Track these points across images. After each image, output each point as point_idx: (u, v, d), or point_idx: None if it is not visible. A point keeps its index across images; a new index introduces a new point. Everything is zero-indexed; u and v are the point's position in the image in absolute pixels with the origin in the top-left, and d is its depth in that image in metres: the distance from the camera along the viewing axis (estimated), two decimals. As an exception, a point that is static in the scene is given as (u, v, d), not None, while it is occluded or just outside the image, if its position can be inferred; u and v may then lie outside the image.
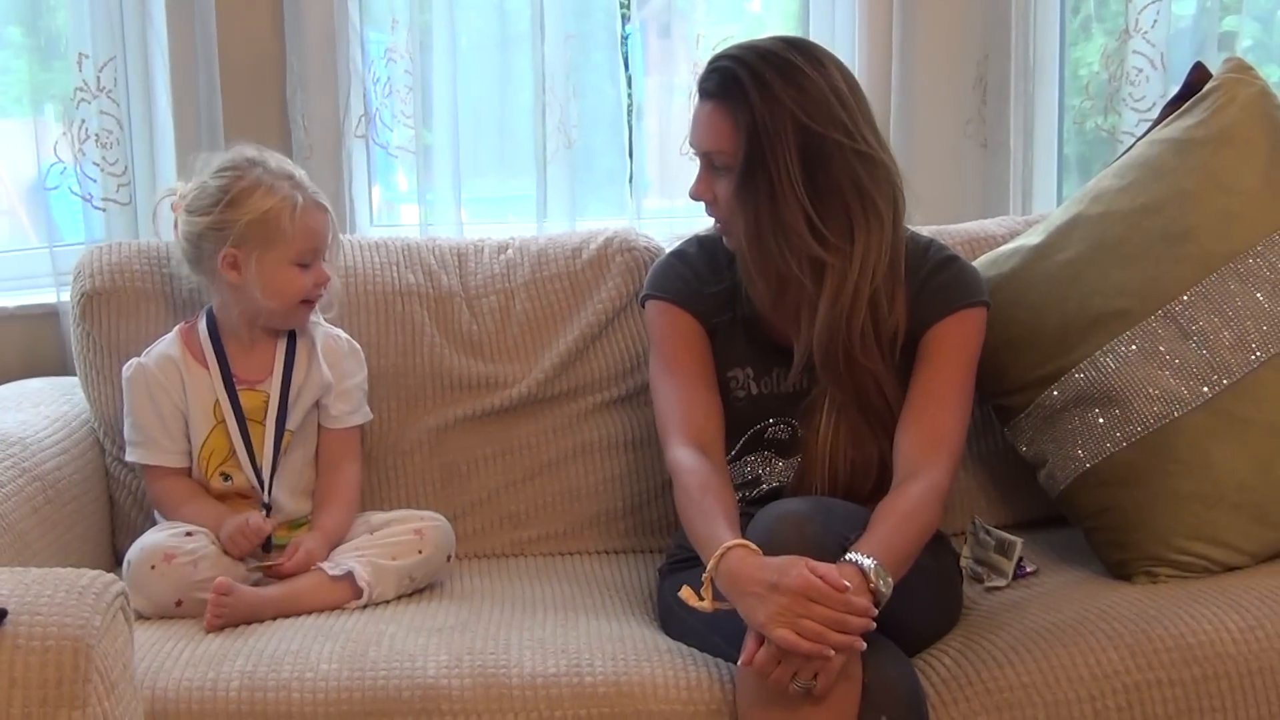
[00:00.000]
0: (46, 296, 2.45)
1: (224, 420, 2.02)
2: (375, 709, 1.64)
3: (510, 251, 2.34)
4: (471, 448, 2.22)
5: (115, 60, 2.47)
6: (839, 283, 1.84)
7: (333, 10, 2.57)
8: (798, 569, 1.57)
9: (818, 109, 1.81)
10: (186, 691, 1.64)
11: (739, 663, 1.62)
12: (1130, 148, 2.19)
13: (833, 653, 1.54)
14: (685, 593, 1.68)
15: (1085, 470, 2.01)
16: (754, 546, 1.64)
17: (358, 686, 1.66)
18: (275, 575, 1.93)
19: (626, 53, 2.70)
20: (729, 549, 1.64)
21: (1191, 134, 2.08)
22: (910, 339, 1.90)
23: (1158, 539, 1.95)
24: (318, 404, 2.07)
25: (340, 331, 2.14)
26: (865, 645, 1.57)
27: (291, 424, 2.04)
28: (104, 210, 2.50)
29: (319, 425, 2.08)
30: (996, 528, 2.08)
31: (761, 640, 1.58)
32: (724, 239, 1.95)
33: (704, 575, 1.65)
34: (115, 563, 2.10)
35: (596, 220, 2.62)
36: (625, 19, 2.71)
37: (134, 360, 2.06)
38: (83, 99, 2.45)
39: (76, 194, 2.48)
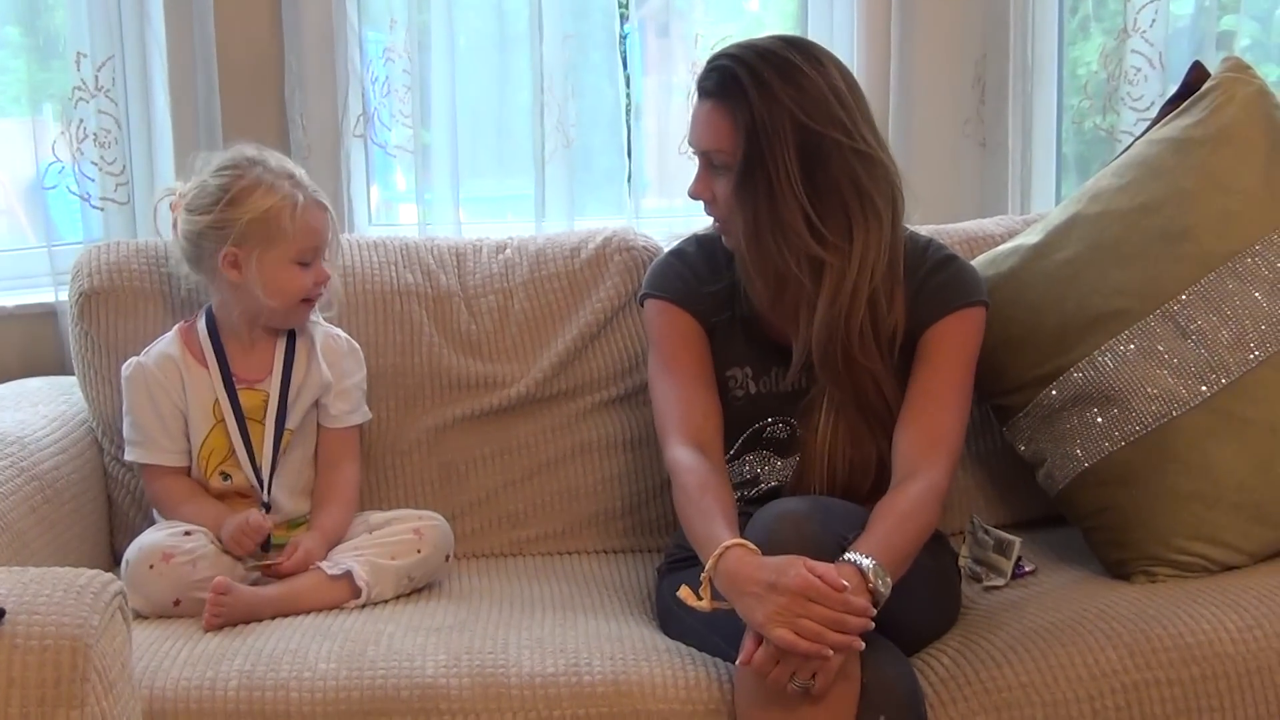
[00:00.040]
0: (45, 296, 2.45)
1: (223, 419, 2.02)
2: (373, 708, 1.64)
3: (509, 251, 2.34)
4: (470, 447, 2.22)
5: (113, 60, 2.47)
6: (838, 282, 1.84)
7: (331, 10, 2.57)
8: (796, 569, 1.57)
9: (817, 108, 1.81)
10: (185, 691, 1.64)
11: (737, 662, 1.62)
12: (1129, 147, 2.19)
13: (831, 652, 1.54)
14: (684, 592, 1.68)
15: (1084, 470, 2.01)
16: (752, 546, 1.64)
17: (356, 686, 1.66)
18: (274, 575, 1.93)
19: (625, 52, 2.71)
20: (727, 548, 1.64)
21: (1190, 133, 2.08)
22: (909, 338, 1.90)
23: (1156, 538, 1.95)
24: (317, 403, 2.07)
25: (339, 331, 2.14)
26: (864, 645, 1.57)
27: (291, 423, 2.04)
28: (102, 209, 2.50)
29: (318, 425, 2.08)
30: (995, 527, 2.08)
31: (760, 640, 1.58)
32: (723, 238, 1.95)
33: (702, 575, 1.65)
34: (113, 562, 2.10)
35: (595, 220, 2.62)
36: (623, 18, 2.71)
37: (133, 359, 2.06)
38: (81, 98, 2.45)
39: (75, 193, 2.48)
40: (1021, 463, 2.14)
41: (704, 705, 1.68)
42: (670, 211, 2.76)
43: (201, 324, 2.06)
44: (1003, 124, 2.72)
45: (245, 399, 2.03)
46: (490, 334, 2.27)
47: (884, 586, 1.61)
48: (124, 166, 2.50)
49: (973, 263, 2.05)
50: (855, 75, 1.91)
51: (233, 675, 1.66)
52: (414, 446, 2.21)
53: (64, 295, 2.28)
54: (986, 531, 2.07)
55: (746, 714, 1.64)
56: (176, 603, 1.86)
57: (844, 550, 1.64)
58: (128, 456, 2.06)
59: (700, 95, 1.88)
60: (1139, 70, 2.64)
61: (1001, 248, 2.20)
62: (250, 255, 1.97)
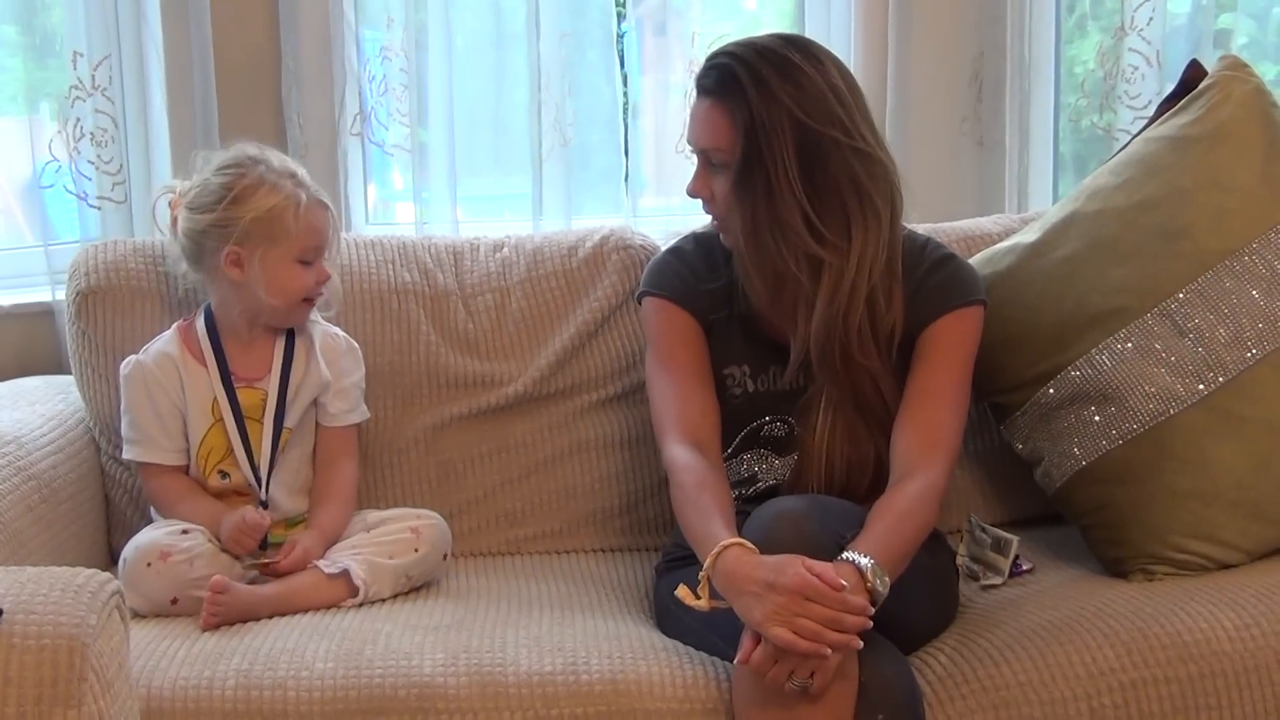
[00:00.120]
0: (42, 295, 2.45)
1: (222, 418, 2.02)
2: (371, 707, 1.64)
3: (506, 250, 2.34)
4: (468, 446, 2.22)
5: (110, 58, 2.47)
6: (836, 280, 1.83)
7: (328, 9, 2.57)
8: (794, 568, 1.56)
9: (815, 106, 1.81)
10: (182, 690, 1.64)
11: (735, 661, 1.61)
12: (1126, 145, 2.19)
13: (829, 652, 1.54)
14: (682, 591, 1.68)
15: (1081, 468, 2.02)
16: (750, 545, 1.63)
17: (354, 685, 1.66)
18: (271, 573, 1.93)
19: (622, 51, 2.70)
20: (726, 547, 1.64)
21: (1187, 131, 2.08)
22: (907, 337, 1.90)
23: (1154, 536, 1.95)
24: (315, 402, 2.07)
25: (338, 330, 2.14)
26: (862, 644, 1.57)
27: (290, 422, 2.04)
28: (99, 208, 2.50)
29: (316, 423, 2.08)
30: (993, 525, 2.08)
31: (758, 639, 1.58)
32: (721, 236, 1.95)
33: (700, 573, 1.65)
34: (110, 561, 2.10)
35: (592, 218, 2.62)
36: (621, 17, 2.71)
37: (132, 358, 2.06)
38: (78, 97, 2.44)
39: (71, 192, 2.48)
40: (1019, 461, 2.14)
41: (702, 704, 1.68)
42: (668, 210, 2.75)
43: (200, 322, 2.06)
44: (1000, 122, 2.72)
45: (244, 397, 2.02)
46: (488, 333, 2.27)
47: (882, 585, 1.60)
48: (121, 165, 2.50)
49: (970, 261, 2.05)
50: (852, 73, 1.91)
51: (230, 674, 1.66)
52: (411, 445, 2.21)
53: (61, 294, 2.28)
54: (984, 530, 2.07)
55: (744, 713, 1.64)
56: (174, 601, 1.86)
57: (842, 549, 1.64)
58: (125, 455, 2.06)
59: (699, 93, 1.88)
60: (1136, 68, 2.64)
61: (999, 246, 2.19)
62: (253, 254, 1.97)
